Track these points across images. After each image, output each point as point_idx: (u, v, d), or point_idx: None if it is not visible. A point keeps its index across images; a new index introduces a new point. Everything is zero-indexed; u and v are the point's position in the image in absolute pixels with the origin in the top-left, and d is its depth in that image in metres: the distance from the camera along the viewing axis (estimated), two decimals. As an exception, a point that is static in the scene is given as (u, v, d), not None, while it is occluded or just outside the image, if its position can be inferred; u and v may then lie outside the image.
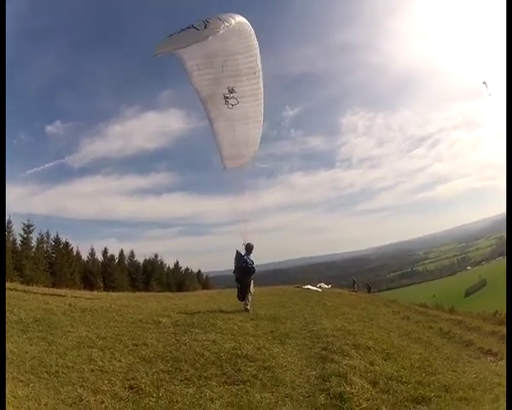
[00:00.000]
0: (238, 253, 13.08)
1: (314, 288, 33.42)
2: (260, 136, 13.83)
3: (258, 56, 11.74)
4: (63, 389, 5.08)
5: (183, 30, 9.54)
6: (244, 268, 12.89)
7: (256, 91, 12.42)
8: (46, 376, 5.51)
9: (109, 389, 5.24)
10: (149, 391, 5.22)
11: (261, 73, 12.14)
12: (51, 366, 5.90)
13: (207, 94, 12.40)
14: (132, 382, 5.51)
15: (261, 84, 12.35)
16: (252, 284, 13.14)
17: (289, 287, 34.05)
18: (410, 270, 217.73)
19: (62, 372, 5.68)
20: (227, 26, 9.51)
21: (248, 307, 12.88)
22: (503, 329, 13.30)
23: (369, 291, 48.13)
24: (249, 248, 13.16)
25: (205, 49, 10.93)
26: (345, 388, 5.50)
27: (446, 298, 67.58)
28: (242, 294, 13.10)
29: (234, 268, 13.22)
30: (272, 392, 5.43)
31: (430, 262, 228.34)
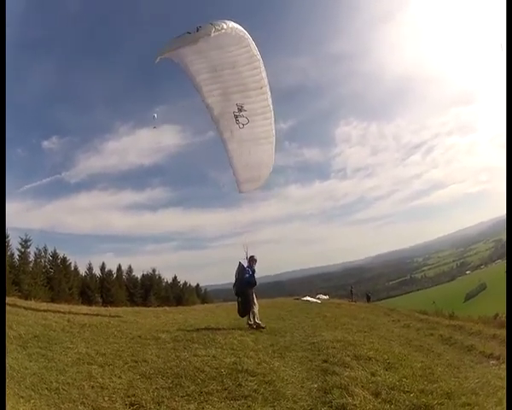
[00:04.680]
0: (241, 264, 12.59)
1: (313, 299, 33.06)
2: (274, 157, 13.69)
3: (263, 69, 11.70)
4: (64, 406, 5.07)
5: (178, 36, 10.20)
6: (245, 280, 12.35)
7: (265, 109, 12.34)
8: (47, 392, 5.50)
9: (110, 406, 5.22)
10: (150, 408, 5.21)
11: (268, 88, 12.07)
12: (51, 382, 5.89)
13: (218, 112, 12.41)
14: (133, 399, 5.49)
15: (270, 102, 12.27)
16: (255, 298, 12.50)
17: (288, 299, 33.72)
18: (408, 277, 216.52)
19: (63, 389, 5.67)
20: (218, 30, 9.73)
21: (258, 320, 12.27)
22: (505, 332, 13.31)
23: (368, 300, 47.77)
24: (252, 260, 12.69)
25: (208, 61, 11.22)
26: (347, 400, 5.49)
27: (446, 304, 67.02)
28: (243, 309, 12.43)
29: (234, 281, 12.63)
30: (274, 406, 5.43)
31: (429, 269, 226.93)
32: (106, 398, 5.49)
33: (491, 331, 14.49)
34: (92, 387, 5.90)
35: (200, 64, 11.49)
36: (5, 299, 10.66)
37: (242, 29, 10.66)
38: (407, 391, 6.02)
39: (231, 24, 10.22)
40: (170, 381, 6.39)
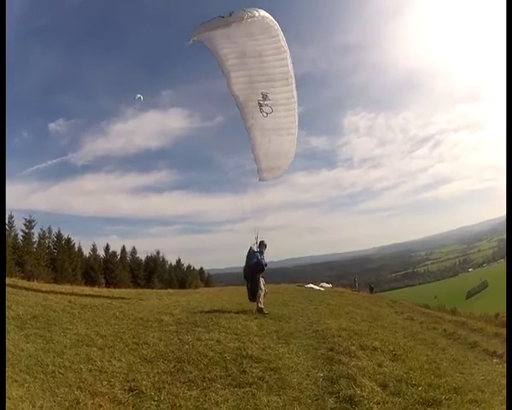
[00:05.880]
0: (251, 249, 12.64)
1: (316, 287, 33.11)
2: (295, 149, 13.62)
3: (290, 61, 11.59)
4: (59, 391, 4.84)
5: (212, 18, 10.22)
6: (253, 265, 12.38)
7: (289, 100, 12.24)
8: (42, 376, 5.26)
9: (108, 391, 4.99)
10: (150, 394, 4.97)
11: (294, 80, 11.98)
12: (48, 365, 5.65)
13: (243, 99, 12.37)
14: (132, 384, 5.26)
15: (294, 93, 12.17)
16: (262, 283, 12.51)
17: (291, 286, 33.62)
18: (411, 271, 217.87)
19: (59, 372, 5.43)
20: (250, 17, 9.83)
21: (261, 305, 12.25)
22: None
23: (371, 291, 47.80)
24: (262, 245, 12.71)
25: (236, 46, 11.25)
26: (355, 390, 5.33)
27: (448, 299, 67.36)
28: (252, 293, 12.52)
29: (245, 264, 12.70)
30: (279, 395, 5.23)
31: (432, 263, 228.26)
32: (104, 382, 5.26)
33: (493, 330, 14.83)
34: (90, 370, 5.66)
35: (228, 49, 11.47)
36: (5, 283, 10.55)
37: (273, 19, 10.62)
38: (414, 384, 5.85)
39: (262, 12, 10.22)
40: (171, 365, 6.18)
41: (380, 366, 6.79)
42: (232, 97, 12.39)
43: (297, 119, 12.77)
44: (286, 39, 11.03)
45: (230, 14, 9.82)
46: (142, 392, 5.01)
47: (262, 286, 12.47)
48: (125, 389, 5.07)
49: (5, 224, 40.05)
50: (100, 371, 5.69)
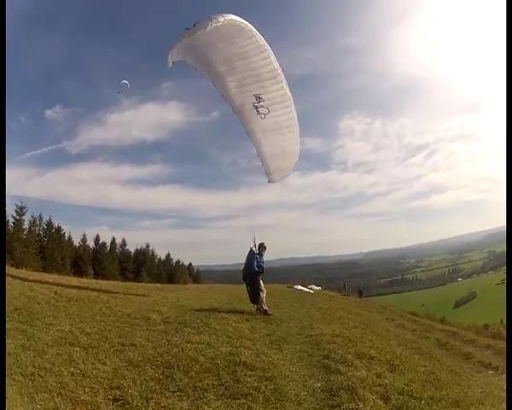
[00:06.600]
0: (251, 250, 12.63)
1: (306, 289, 33.15)
2: (299, 146, 13.72)
3: (274, 58, 11.59)
4: (38, 397, 4.39)
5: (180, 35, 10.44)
6: (252, 269, 12.35)
7: (283, 98, 12.33)
8: (21, 378, 4.81)
9: (91, 399, 4.53)
10: (137, 405, 4.52)
11: (283, 77, 12.01)
12: (27, 366, 5.20)
13: (239, 104, 12.48)
14: (117, 392, 4.79)
15: (287, 90, 12.23)
16: (262, 284, 12.51)
17: (280, 286, 33.38)
18: (400, 277, 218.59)
19: (39, 375, 4.98)
20: (215, 23, 9.83)
21: (265, 307, 12.30)
22: (499, 343, 13.89)
23: (360, 296, 47.84)
24: (262, 247, 12.75)
25: (218, 54, 11.41)
26: (357, 405, 5.04)
27: (436, 308, 67.70)
28: (253, 295, 12.53)
29: (244, 266, 12.72)
30: (277, 408, 4.92)
31: (421, 271, 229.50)
32: (87, 389, 4.80)
33: (484, 341, 15.27)
34: (72, 374, 5.20)
35: (211, 58, 11.51)
36: (5, 276, 10.19)
37: (243, 21, 10.64)
38: (416, 397, 5.61)
39: (229, 16, 10.25)
40: (160, 371, 5.74)
41: (379, 376, 6.52)
42: (229, 104, 12.54)
43: (295, 114, 12.79)
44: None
45: (195, 25, 9.93)
46: (128, 403, 4.56)
47: (263, 288, 12.47)
48: (109, 399, 4.62)
49: (5, 218, 39.50)
50: (83, 375, 5.24)
